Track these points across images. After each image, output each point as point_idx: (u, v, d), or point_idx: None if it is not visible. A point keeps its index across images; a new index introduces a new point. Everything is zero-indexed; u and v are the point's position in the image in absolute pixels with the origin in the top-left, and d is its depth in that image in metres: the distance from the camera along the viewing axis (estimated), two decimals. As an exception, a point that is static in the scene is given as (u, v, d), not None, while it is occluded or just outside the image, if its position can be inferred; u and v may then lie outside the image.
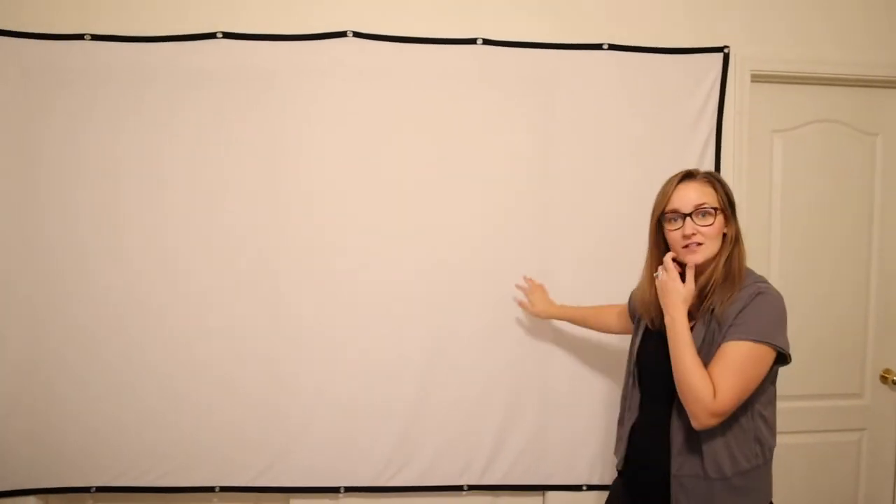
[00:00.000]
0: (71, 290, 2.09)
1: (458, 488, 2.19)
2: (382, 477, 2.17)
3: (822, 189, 2.35)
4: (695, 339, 1.51)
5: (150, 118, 2.08)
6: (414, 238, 2.15)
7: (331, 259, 2.14)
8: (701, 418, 1.45)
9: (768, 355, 1.46)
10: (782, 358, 1.49)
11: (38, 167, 2.07)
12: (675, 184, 1.58)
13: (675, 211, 1.56)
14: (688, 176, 1.58)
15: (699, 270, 1.56)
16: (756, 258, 2.26)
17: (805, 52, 2.27)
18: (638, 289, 1.74)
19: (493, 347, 2.18)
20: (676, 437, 1.55)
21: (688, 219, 1.53)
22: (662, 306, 1.56)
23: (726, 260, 1.54)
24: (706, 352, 1.51)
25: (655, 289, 1.61)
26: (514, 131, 2.15)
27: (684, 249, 1.55)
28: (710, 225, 1.53)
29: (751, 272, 1.57)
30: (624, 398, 1.77)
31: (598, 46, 2.16)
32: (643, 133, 2.18)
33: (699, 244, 1.53)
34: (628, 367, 1.75)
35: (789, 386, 2.27)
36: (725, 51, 2.20)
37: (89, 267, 2.09)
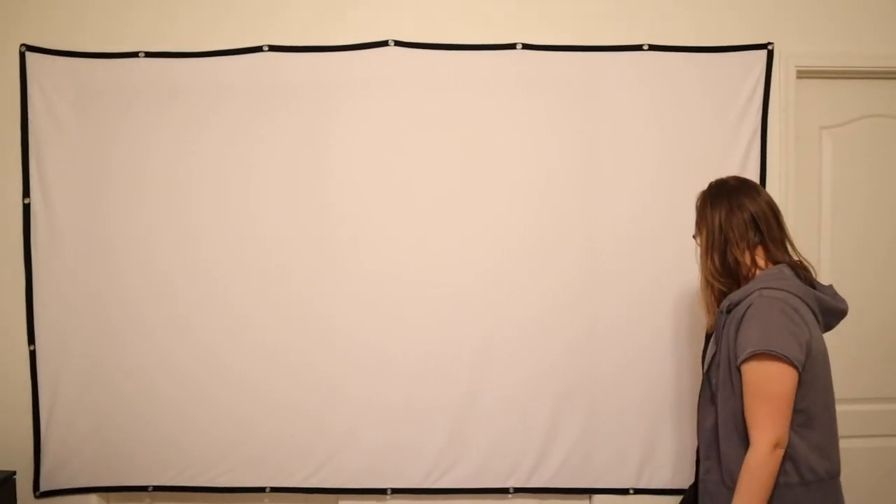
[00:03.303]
0: (135, 295, 2.18)
1: (505, 491, 2.19)
2: (429, 479, 2.19)
3: (873, 186, 2.29)
4: (710, 348, 1.57)
5: (203, 132, 2.16)
6: (458, 242, 2.18)
7: (373, 265, 2.18)
8: (769, 460, 1.42)
9: (771, 364, 1.41)
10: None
11: (102, 177, 2.17)
12: None
13: None
14: None
15: None
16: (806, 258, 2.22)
17: (852, 47, 2.22)
18: None
19: (540, 349, 2.18)
20: (703, 442, 1.58)
21: None
22: None
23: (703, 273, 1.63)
24: (714, 369, 1.54)
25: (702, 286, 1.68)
26: (556, 134, 2.17)
27: None
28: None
29: (769, 274, 1.53)
30: None
31: (638, 47, 2.16)
32: (686, 132, 2.16)
33: None
34: None
35: (851, 389, 2.22)
36: (769, 47, 2.17)
37: (155, 272, 2.17)
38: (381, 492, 2.20)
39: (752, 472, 1.40)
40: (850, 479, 2.21)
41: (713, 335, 1.59)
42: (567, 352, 2.18)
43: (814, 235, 2.28)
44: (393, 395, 2.19)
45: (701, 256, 1.65)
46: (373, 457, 2.19)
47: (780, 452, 1.41)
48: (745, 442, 1.46)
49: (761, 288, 1.48)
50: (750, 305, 1.46)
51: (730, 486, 1.49)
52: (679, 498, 1.90)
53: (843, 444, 2.25)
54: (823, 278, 2.24)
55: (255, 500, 2.27)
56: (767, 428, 1.40)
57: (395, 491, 2.20)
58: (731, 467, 1.49)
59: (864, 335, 2.28)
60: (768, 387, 1.41)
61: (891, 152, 2.29)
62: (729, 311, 1.52)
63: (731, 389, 1.49)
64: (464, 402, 2.18)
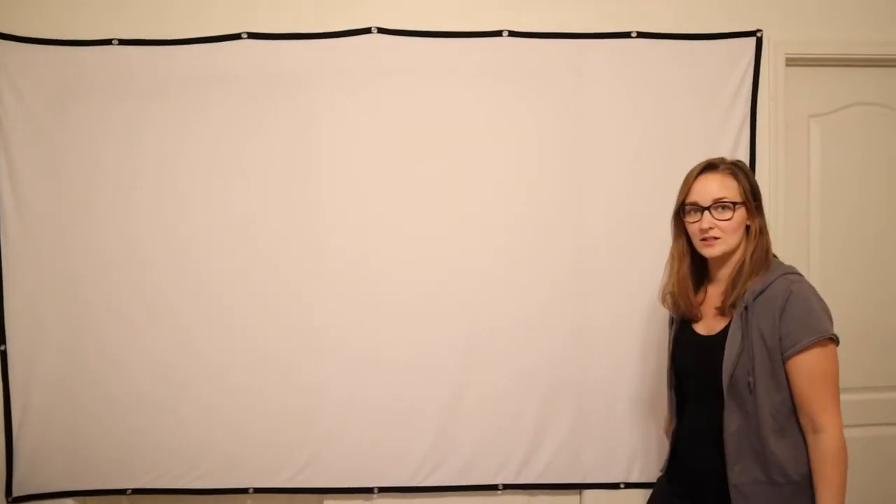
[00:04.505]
0: (116, 293, 2.11)
1: (494, 487, 2.16)
2: (417, 477, 2.14)
3: (862, 174, 2.27)
4: (732, 345, 1.48)
5: (183, 122, 2.10)
6: (443, 237, 2.13)
7: (356, 262, 2.12)
8: (844, 443, 1.43)
9: (832, 348, 1.44)
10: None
11: (80, 170, 2.10)
12: (695, 174, 1.57)
13: (694, 203, 1.55)
14: (709, 167, 1.57)
15: (721, 262, 1.56)
16: (795, 249, 2.21)
17: (841, 34, 2.20)
18: (666, 283, 1.69)
19: (529, 343, 2.14)
20: (730, 445, 1.49)
21: (706, 213, 1.52)
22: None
23: (752, 253, 1.52)
24: (743, 366, 1.46)
25: (678, 279, 1.62)
26: (542, 124, 2.12)
27: (702, 242, 1.55)
28: (729, 220, 1.51)
29: (776, 262, 1.54)
30: (668, 402, 1.75)
31: (626, 34, 2.12)
32: (674, 122, 2.13)
33: (716, 238, 1.52)
34: (668, 371, 1.72)
35: (845, 378, 2.19)
36: (758, 34, 2.14)
37: (136, 269, 2.11)
38: (368, 490, 2.15)
39: (838, 458, 1.40)
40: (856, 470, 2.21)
41: (730, 332, 1.50)
42: (556, 349, 2.14)
43: (803, 225, 2.26)
44: (379, 393, 2.14)
45: (732, 237, 1.53)
46: (359, 455, 2.14)
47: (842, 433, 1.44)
48: (787, 434, 1.45)
49: (783, 274, 1.47)
50: (791, 293, 1.43)
51: (780, 482, 1.45)
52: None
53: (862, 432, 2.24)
54: (813, 267, 2.25)
55: (238, 502, 2.21)
56: (836, 411, 1.42)
57: (382, 489, 2.15)
58: (781, 463, 1.44)
59: (855, 325, 2.26)
60: (831, 370, 1.43)
61: (879, 140, 2.27)
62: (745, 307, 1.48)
63: (774, 382, 1.45)
64: (451, 400, 2.14)
